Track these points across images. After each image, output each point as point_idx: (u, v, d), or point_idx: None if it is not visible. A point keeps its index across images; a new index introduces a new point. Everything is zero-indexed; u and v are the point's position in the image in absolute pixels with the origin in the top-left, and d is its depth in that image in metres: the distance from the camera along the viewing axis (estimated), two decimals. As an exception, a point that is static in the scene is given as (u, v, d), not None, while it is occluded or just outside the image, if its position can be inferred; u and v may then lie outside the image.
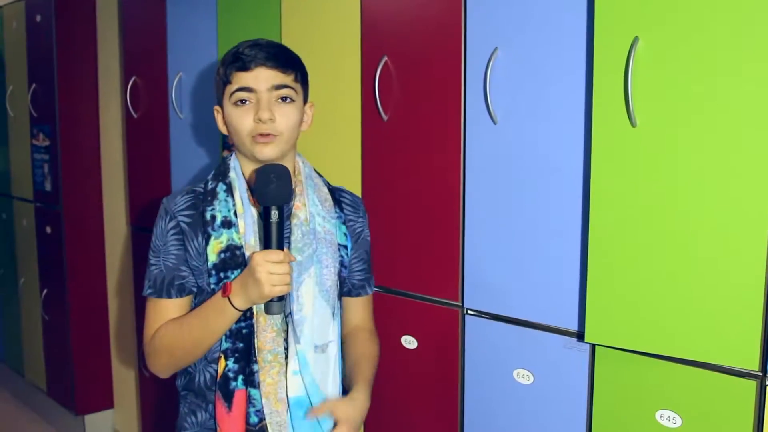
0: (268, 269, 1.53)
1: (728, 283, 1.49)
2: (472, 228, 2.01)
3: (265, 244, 1.58)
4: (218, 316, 1.62)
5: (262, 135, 1.64)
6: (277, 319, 1.66)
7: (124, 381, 3.92)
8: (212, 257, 1.66)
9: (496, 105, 1.91)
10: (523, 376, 1.92)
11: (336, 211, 1.81)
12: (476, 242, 2.01)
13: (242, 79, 1.64)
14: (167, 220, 1.70)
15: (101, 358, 3.98)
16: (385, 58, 2.17)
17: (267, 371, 1.66)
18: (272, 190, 1.54)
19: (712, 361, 1.53)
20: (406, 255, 2.18)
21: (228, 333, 1.66)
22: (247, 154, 1.69)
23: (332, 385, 1.74)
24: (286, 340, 1.68)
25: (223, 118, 1.72)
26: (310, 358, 1.68)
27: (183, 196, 1.73)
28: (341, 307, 1.84)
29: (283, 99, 1.66)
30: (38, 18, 3.87)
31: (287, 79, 1.67)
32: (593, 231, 1.66)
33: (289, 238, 1.69)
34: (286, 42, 2.49)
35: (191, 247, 1.69)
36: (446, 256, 2.07)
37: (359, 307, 1.91)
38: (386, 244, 2.22)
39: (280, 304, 1.58)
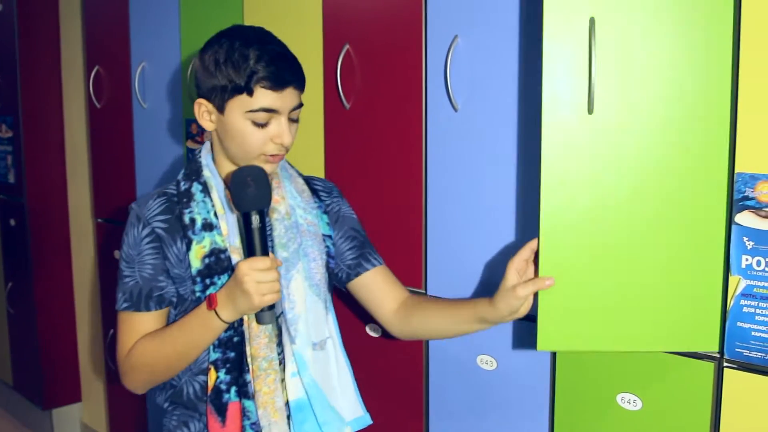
0: (255, 278, 1.44)
1: (686, 267, 1.49)
2: (434, 215, 2.01)
3: (248, 251, 1.48)
4: (204, 330, 1.53)
5: (273, 155, 1.56)
6: None
7: (92, 374, 3.89)
8: (196, 263, 1.56)
9: (456, 92, 1.91)
10: (486, 362, 1.93)
11: (315, 201, 1.73)
12: (438, 229, 2.01)
13: (270, 98, 1.51)
14: (140, 228, 1.58)
15: (68, 351, 3.95)
16: (347, 47, 2.16)
17: (263, 380, 1.58)
18: (251, 194, 1.45)
19: (672, 350, 1.54)
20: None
21: (216, 342, 1.57)
22: (242, 162, 1.58)
23: (338, 383, 1.67)
24: (279, 344, 1.61)
25: (213, 114, 1.58)
26: (309, 357, 1.60)
27: (155, 199, 1.61)
28: (332, 301, 1.76)
29: (293, 119, 1.58)
30: (-1, 7, 3.82)
31: (301, 97, 1.59)
32: (544, 231, 1.50)
33: (271, 234, 1.62)
34: (249, 30, 2.48)
35: (171, 254, 1.58)
36: (409, 243, 2.07)
37: (381, 282, 1.78)
38: (350, 233, 2.22)
39: (271, 312, 1.49)
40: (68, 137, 3.86)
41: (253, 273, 1.44)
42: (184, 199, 1.60)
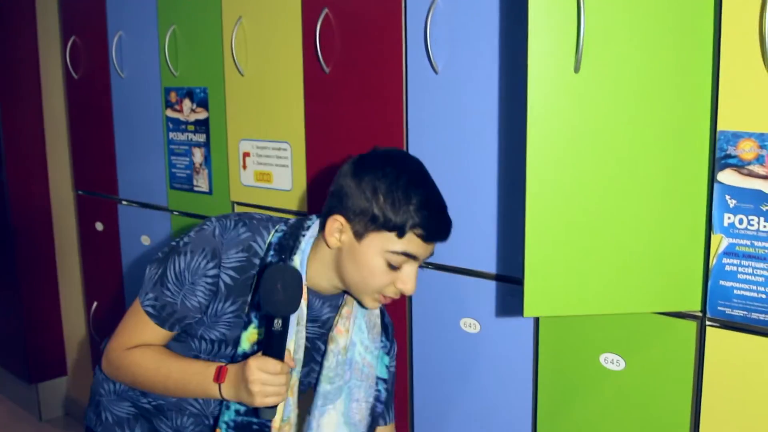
0: (262, 380, 1.41)
1: (669, 226, 1.49)
2: (417, 180, 2.00)
3: (264, 350, 1.44)
4: (200, 390, 1.51)
5: (385, 297, 1.51)
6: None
7: (77, 348, 3.89)
8: (246, 345, 1.53)
9: (436, 54, 1.89)
10: (469, 325, 1.93)
11: (382, 340, 1.67)
12: (421, 194, 1.99)
13: (417, 247, 1.45)
14: (209, 262, 1.50)
15: (52, 325, 3.93)
16: (326, 11, 2.13)
17: None
18: (276, 301, 1.38)
19: (656, 310, 1.54)
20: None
21: (233, 423, 1.56)
22: (353, 290, 1.52)
23: None
24: None
25: (346, 236, 1.48)
26: None
27: (238, 251, 1.52)
28: None
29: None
30: (-28, -22, 3.75)
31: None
32: (530, 191, 1.48)
33: (322, 362, 1.60)
34: (226, -4, 2.45)
35: (215, 307, 1.54)
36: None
37: None
38: (332, 199, 2.20)
39: (273, 410, 1.47)
40: (46, 109, 3.82)
41: (262, 375, 1.41)
42: (261, 272, 1.52)
